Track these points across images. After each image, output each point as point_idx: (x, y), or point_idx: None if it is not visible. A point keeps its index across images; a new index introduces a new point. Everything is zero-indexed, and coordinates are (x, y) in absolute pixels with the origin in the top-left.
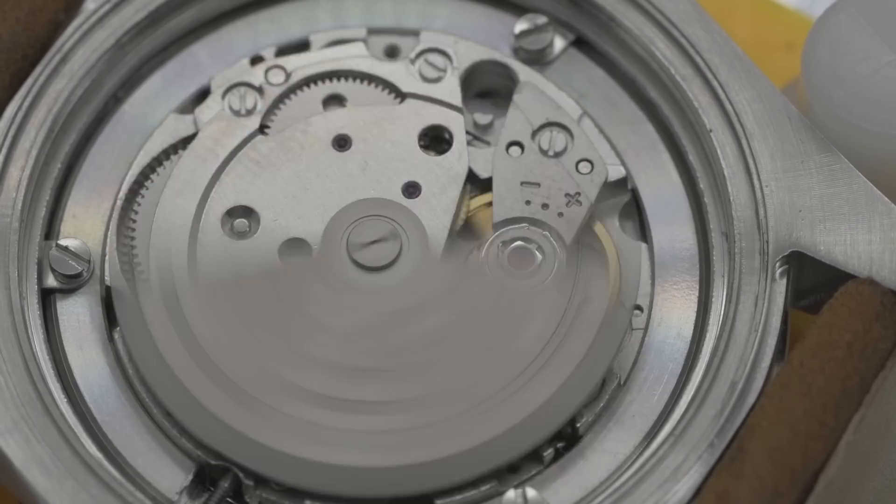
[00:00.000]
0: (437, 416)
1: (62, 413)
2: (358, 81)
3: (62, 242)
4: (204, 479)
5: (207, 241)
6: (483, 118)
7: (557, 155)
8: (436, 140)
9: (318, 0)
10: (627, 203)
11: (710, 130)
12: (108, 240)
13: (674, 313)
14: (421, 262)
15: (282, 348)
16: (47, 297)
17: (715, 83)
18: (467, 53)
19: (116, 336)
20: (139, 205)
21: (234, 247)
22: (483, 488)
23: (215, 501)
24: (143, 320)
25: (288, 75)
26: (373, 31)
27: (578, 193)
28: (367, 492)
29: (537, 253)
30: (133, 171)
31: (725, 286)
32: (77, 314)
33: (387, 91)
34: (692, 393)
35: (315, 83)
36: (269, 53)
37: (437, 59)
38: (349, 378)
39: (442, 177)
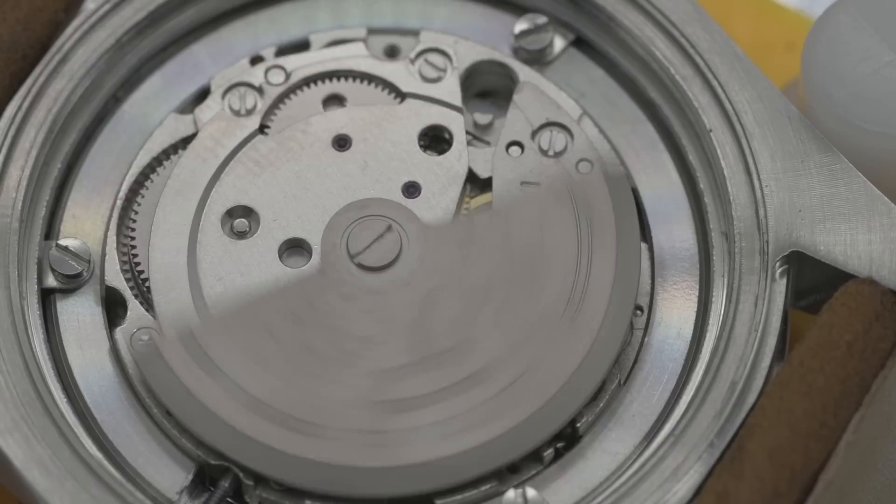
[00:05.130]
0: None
1: (62, 413)
2: (358, 81)
3: (62, 242)
4: (204, 479)
5: (207, 240)
6: (483, 118)
7: (557, 155)
8: (436, 140)
9: (317, 0)
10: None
11: (710, 130)
12: (108, 240)
13: (674, 313)
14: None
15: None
16: (47, 297)
17: (715, 83)
18: (467, 53)
19: (116, 336)
20: (139, 205)
21: (234, 247)
22: (483, 488)
23: (215, 501)
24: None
25: (288, 75)
26: (372, 31)
27: None
28: (365, 492)
29: None
30: (133, 171)
31: (725, 286)
32: (77, 314)
33: (387, 91)
34: (692, 393)
35: (315, 83)
36: (269, 53)
37: (437, 59)
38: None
39: (442, 177)
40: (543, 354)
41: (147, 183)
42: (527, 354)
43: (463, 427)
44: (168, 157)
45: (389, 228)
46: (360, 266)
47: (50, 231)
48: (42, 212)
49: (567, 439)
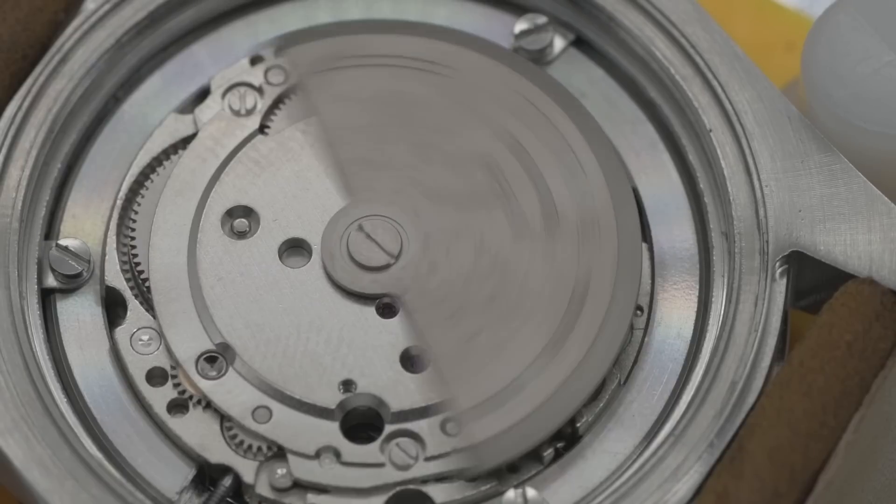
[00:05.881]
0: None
1: (62, 413)
2: None
3: (62, 242)
4: (204, 479)
5: (207, 240)
6: None
7: None
8: None
9: (317, 0)
10: None
11: (710, 130)
12: (108, 240)
13: (674, 313)
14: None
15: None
16: (47, 297)
17: (715, 83)
18: None
19: (116, 336)
20: (139, 205)
21: (234, 247)
22: (483, 488)
23: (215, 501)
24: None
25: (288, 75)
26: None
27: None
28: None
29: None
30: (133, 171)
31: (725, 286)
32: (77, 314)
33: None
34: (692, 393)
35: None
36: (268, 53)
37: None
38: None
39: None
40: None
41: (147, 183)
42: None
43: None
44: (168, 157)
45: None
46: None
47: (50, 231)
48: (42, 212)
49: (567, 439)
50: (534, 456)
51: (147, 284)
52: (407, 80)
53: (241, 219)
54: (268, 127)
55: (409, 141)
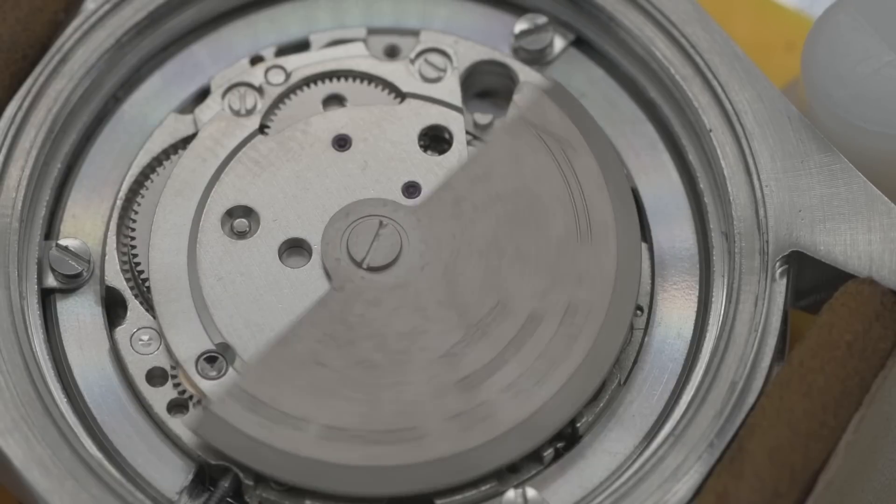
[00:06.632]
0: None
1: (62, 413)
2: (358, 81)
3: (62, 242)
4: (204, 479)
5: (207, 240)
6: (483, 118)
7: None
8: (436, 140)
9: (317, 0)
10: None
11: (710, 130)
12: (108, 240)
13: (674, 313)
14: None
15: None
16: (47, 297)
17: (715, 83)
18: (467, 53)
19: (116, 336)
20: (139, 205)
21: (234, 247)
22: (483, 488)
23: (215, 501)
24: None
25: (288, 75)
26: (372, 31)
27: None
28: (367, 491)
29: None
30: (133, 171)
31: (725, 286)
32: (77, 314)
33: (387, 91)
34: (692, 393)
35: (315, 83)
36: (269, 53)
37: (437, 59)
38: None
39: (442, 176)
40: (578, 282)
41: (147, 183)
42: (562, 286)
43: (533, 382)
44: (168, 157)
45: (382, 224)
46: (371, 269)
47: (50, 231)
48: (42, 212)
49: (567, 439)
50: (534, 456)
51: (147, 284)
52: None
53: (241, 219)
54: (268, 127)
55: None
